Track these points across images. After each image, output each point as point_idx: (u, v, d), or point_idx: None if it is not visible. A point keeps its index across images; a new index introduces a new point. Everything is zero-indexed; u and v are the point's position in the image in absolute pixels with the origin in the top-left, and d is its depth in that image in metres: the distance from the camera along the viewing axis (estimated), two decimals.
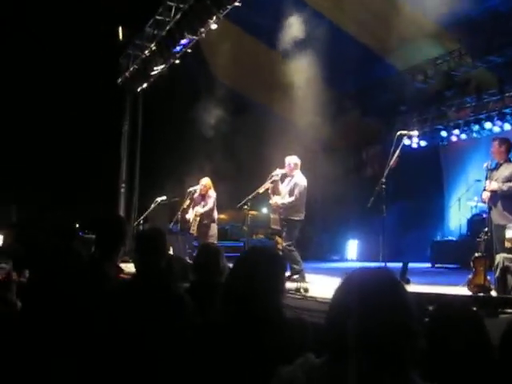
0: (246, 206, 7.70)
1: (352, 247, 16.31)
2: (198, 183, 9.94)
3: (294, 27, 11.12)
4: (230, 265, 3.41)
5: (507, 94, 12.40)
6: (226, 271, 3.51)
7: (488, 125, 12.85)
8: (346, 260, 16.05)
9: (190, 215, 9.77)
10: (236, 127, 14.95)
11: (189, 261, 7.46)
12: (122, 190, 14.98)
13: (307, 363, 1.45)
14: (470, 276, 6.68)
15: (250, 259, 2.21)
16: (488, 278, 6.39)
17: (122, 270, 4.04)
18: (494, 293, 6.09)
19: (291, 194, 7.62)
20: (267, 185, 7.76)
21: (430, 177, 15.00)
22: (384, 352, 1.29)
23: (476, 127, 13.28)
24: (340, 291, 1.44)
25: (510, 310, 4.38)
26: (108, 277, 3.53)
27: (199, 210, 9.63)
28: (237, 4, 9.81)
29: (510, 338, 1.46)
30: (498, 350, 1.49)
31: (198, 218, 9.61)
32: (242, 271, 2.16)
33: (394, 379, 1.29)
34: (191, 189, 9.98)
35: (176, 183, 14.93)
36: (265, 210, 15.80)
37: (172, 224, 10.59)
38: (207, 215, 9.64)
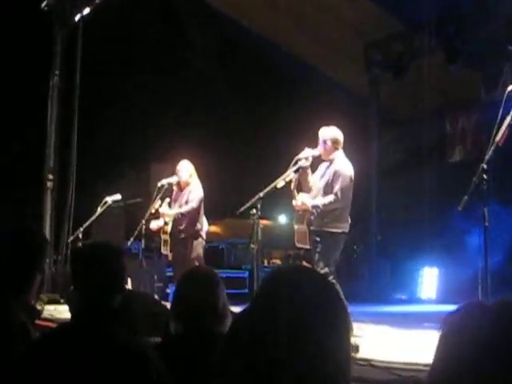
0: (253, 211, 5.96)
1: (429, 280, 12.44)
2: (172, 172, 8.15)
3: None
4: (234, 308, 3.20)
5: None
6: (228, 315, 2.75)
7: None
8: (420, 301, 11.99)
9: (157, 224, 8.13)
10: (234, 78, 12.83)
11: (160, 300, 6.73)
12: (49, 184, 10.92)
13: None
14: None
15: (281, 292, 1.33)
16: None
17: (39, 314, 3.45)
18: None
19: (329, 190, 6.01)
20: (290, 175, 6.03)
21: None
22: None
23: None
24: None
25: None
26: (19, 326, 2.72)
27: (171, 211, 7.82)
28: None
29: None
30: None
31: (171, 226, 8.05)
32: (266, 314, 1.36)
33: None
34: (164, 182, 8.07)
35: (137, 172, 13.06)
36: (284, 219, 14.04)
37: (131, 240, 8.66)
38: (189, 223, 7.74)
